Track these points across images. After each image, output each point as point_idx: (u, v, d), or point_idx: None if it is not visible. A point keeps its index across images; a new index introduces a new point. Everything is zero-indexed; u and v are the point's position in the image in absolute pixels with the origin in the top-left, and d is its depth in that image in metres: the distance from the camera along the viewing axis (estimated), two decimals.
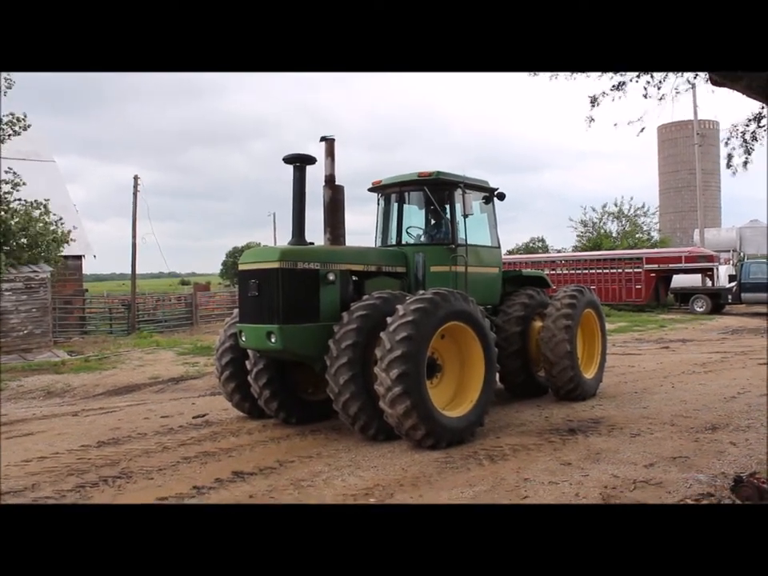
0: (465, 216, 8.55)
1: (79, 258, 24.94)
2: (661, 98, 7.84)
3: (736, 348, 15.35)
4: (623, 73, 7.21)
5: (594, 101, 7.66)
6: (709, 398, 8.99)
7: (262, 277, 7.19)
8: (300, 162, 7.67)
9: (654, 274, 28.69)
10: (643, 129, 8.44)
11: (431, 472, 5.98)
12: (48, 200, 19.38)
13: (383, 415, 6.81)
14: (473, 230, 8.89)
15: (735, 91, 5.52)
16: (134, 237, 25.98)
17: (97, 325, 25.62)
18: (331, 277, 7.46)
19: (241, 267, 7.57)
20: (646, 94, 7.50)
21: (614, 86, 7.58)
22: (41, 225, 18.83)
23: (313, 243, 7.93)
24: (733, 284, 27.11)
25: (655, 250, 34.02)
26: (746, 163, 8.30)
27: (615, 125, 8.95)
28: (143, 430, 8.19)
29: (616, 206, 43.76)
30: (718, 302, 27.22)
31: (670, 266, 28.61)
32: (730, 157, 8.53)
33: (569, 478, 5.64)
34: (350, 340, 6.92)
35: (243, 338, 7.49)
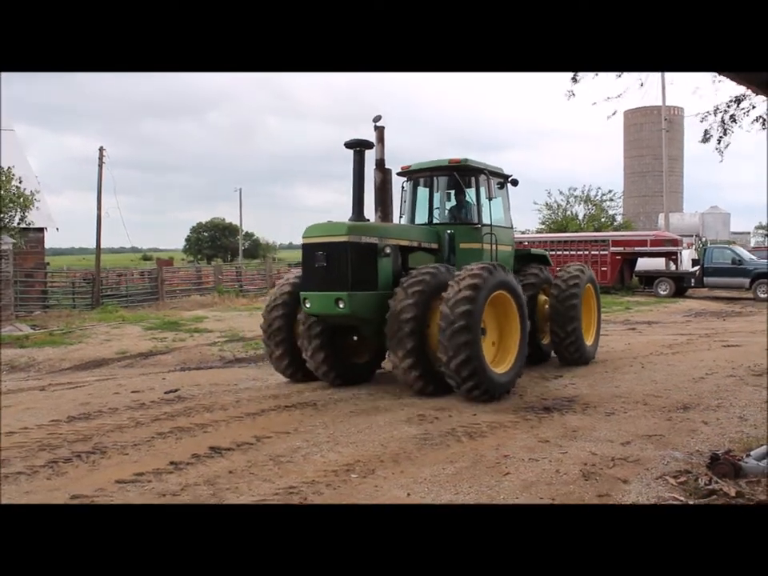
0: (489, 199, 9.52)
1: (41, 230, 24.21)
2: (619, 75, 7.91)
3: (700, 330, 15.67)
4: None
5: (575, 78, 7.70)
6: (678, 379, 9.15)
7: (331, 249, 7.94)
8: (360, 147, 8.41)
9: (619, 257, 29.02)
10: (615, 112, 8.65)
11: (411, 448, 5.96)
12: (13, 166, 18.76)
13: (444, 377, 7.71)
14: (491, 211, 9.74)
15: (737, 83, 5.50)
16: (98, 210, 25.41)
17: (59, 299, 25.01)
18: (387, 250, 8.27)
19: (305, 241, 8.28)
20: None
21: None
22: (13, 189, 18.20)
23: (369, 220, 8.67)
24: (696, 268, 27.64)
25: (621, 233, 34.43)
26: (720, 141, 8.43)
27: (594, 103, 9.13)
28: (114, 404, 8.03)
29: (583, 192, 44.08)
30: (681, 285, 27.69)
31: (636, 249, 29.00)
32: (706, 132, 8.69)
33: (548, 455, 5.69)
34: (409, 314, 7.73)
35: (308, 305, 8.16)
